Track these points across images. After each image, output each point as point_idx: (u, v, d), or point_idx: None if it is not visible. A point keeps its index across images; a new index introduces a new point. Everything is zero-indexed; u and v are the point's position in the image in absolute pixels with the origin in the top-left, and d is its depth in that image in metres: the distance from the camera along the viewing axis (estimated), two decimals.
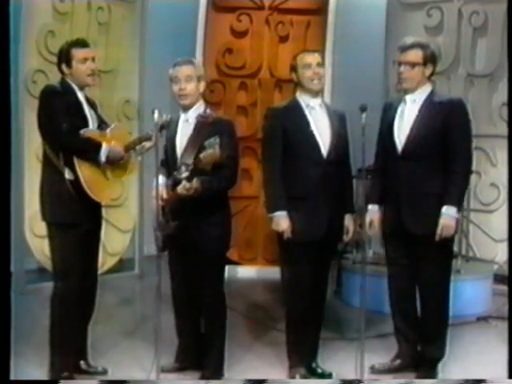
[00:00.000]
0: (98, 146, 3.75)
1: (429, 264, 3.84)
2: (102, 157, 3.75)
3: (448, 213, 3.76)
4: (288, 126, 3.83)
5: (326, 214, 3.81)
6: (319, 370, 3.99)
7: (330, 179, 3.82)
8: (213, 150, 3.46)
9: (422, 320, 3.97)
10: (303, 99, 3.88)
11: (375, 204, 4.01)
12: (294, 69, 3.89)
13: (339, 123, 3.90)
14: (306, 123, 3.84)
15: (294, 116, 3.85)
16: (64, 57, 3.81)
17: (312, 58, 3.86)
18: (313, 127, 3.83)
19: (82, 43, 3.85)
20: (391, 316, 4.10)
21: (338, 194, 3.88)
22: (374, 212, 4.00)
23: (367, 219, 4.00)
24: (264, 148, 3.95)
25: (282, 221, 3.78)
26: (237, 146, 3.88)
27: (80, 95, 3.85)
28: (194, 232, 3.73)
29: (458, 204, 3.81)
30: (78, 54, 3.79)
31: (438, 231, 3.76)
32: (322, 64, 3.88)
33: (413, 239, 3.85)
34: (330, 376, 3.95)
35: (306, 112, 3.86)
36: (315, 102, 3.88)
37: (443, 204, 3.76)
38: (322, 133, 3.84)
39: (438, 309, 3.92)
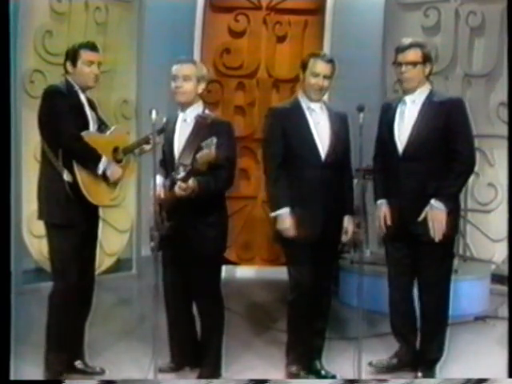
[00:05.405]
0: (98, 157, 3.76)
1: (429, 264, 3.85)
2: (100, 169, 3.76)
3: (435, 205, 3.77)
4: (288, 127, 3.82)
5: (322, 216, 3.79)
6: (323, 372, 3.98)
7: (328, 182, 3.81)
8: (208, 150, 3.45)
9: (422, 320, 3.97)
10: (304, 101, 3.86)
11: (383, 199, 3.99)
12: (303, 67, 3.84)
13: (340, 126, 3.88)
14: (305, 126, 3.82)
15: (295, 117, 3.84)
16: (71, 55, 3.83)
17: (322, 69, 3.80)
18: (312, 130, 3.82)
19: (91, 46, 3.87)
20: (389, 316, 4.11)
21: (336, 197, 3.86)
22: (384, 205, 3.97)
23: (380, 214, 3.97)
24: (264, 148, 3.94)
25: (286, 219, 3.77)
26: (234, 147, 3.86)
27: (82, 96, 3.86)
28: (191, 232, 3.72)
29: (447, 201, 3.79)
30: (85, 55, 3.81)
31: (430, 225, 3.77)
32: (329, 76, 3.83)
33: (414, 240, 3.85)
34: (333, 378, 3.94)
35: (307, 114, 3.84)
36: (316, 105, 3.86)
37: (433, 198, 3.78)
38: (322, 136, 3.83)
39: (438, 309, 3.92)
